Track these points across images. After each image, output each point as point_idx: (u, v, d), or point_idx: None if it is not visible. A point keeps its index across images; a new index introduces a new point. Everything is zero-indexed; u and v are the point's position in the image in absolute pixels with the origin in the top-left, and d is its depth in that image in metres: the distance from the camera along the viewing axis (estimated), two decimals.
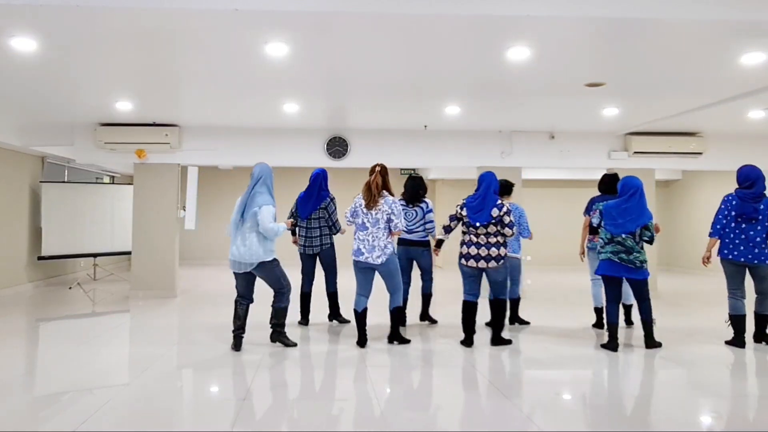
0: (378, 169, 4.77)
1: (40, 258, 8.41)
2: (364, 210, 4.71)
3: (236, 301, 4.72)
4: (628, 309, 5.76)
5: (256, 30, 4.01)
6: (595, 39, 4.19)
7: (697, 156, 8.21)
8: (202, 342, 5.03)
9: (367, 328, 4.88)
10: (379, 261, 4.67)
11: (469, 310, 4.85)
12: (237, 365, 4.28)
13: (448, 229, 4.95)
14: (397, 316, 4.91)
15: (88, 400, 3.42)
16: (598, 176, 11.19)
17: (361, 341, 4.82)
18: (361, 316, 4.83)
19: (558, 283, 9.79)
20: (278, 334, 4.81)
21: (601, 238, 4.84)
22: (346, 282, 5.90)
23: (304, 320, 5.77)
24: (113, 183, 11.17)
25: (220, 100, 6.28)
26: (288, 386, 3.85)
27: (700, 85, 5.46)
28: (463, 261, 4.78)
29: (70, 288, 8.54)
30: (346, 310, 5.81)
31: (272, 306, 4.77)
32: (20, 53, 4.47)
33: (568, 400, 3.59)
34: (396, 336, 4.91)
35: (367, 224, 4.70)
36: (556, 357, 4.63)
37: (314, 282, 5.86)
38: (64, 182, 9.14)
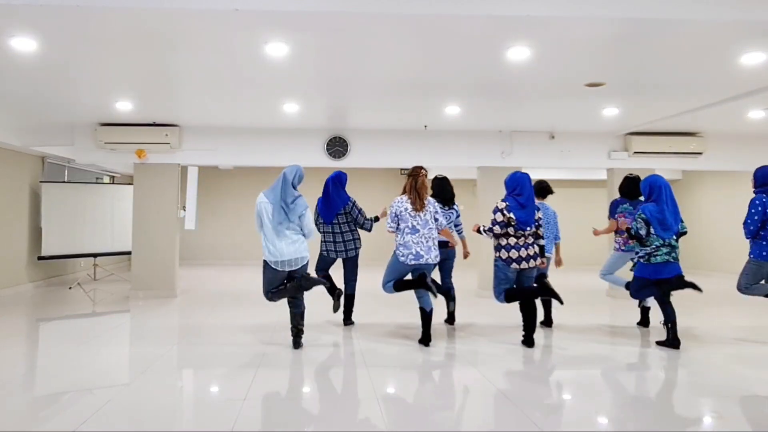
0: (424, 172, 4.83)
1: (40, 258, 8.42)
2: (412, 213, 4.72)
3: (271, 295, 4.68)
4: (646, 311, 5.81)
5: (256, 30, 4.01)
6: (595, 39, 4.19)
7: (697, 156, 8.22)
8: (202, 342, 5.03)
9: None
10: (436, 261, 4.76)
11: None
12: (237, 365, 4.28)
13: (496, 235, 4.82)
14: (431, 319, 4.90)
15: (88, 400, 3.42)
16: (599, 176, 11.24)
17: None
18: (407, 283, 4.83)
19: (558, 283, 9.78)
20: (300, 338, 4.81)
21: (654, 245, 4.82)
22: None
23: (333, 292, 5.66)
24: (113, 183, 11.17)
25: (220, 100, 6.28)
26: (289, 386, 3.84)
27: (700, 85, 5.47)
28: (515, 265, 4.73)
29: (70, 288, 8.55)
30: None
31: (297, 311, 4.73)
32: (20, 53, 4.48)
33: (571, 400, 3.59)
34: (429, 337, 4.90)
35: (418, 227, 4.71)
36: (560, 357, 4.63)
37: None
38: (64, 182, 9.14)
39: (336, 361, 4.47)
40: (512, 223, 4.71)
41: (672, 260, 4.81)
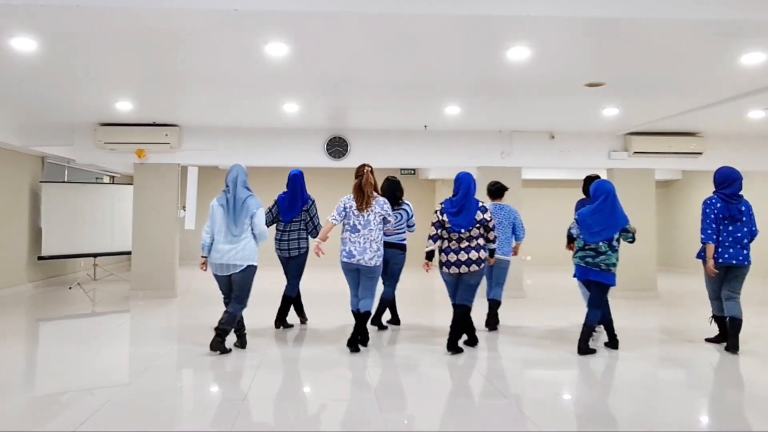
0: (368, 169, 4.69)
1: (40, 258, 8.41)
2: (356, 212, 4.62)
3: (227, 303, 4.62)
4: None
5: (256, 30, 4.01)
6: (595, 39, 4.18)
7: (697, 156, 8.22)
8: (202, 342, 5.02)
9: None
10: (372, 263, 4.58)
11: (458, 314, 4.69)
12: (237, 365, 4.28)
13: (436, 238, 4.68)
14: (366, 321, 4.71)
15: (88, 400, 3.42)
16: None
17: (364, 340, 4.77)
18: (361, 317, 4.70)
19: (557, 283, 9.77)
20: (223, 341, 4.51)
21: (578, 246, 4.78)
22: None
23: (283, 323, 5.59)
24: (113, 183, 11.17)
25: (221, 100, 6.28)
26: (287, 386, 3.85)
27: (700, 85, 5.46)
28: (445, 269, 4.63)
29: (70, 288, 8.54)
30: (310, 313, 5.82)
31: (230, 311, 4.51)
32: (20, 53, 4.47)
33: (558, 401, 3.59)
34: (359, 341, 4.70)
35: (359, 226, 4.60)
36: (544, 358, 4.63)
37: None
38: (64, 182, 9.15)
39: (336, 361, 4.47)
40: (446, 226, 4.60)
41: (585, 265, 4.65)
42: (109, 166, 10.35)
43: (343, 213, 4.64)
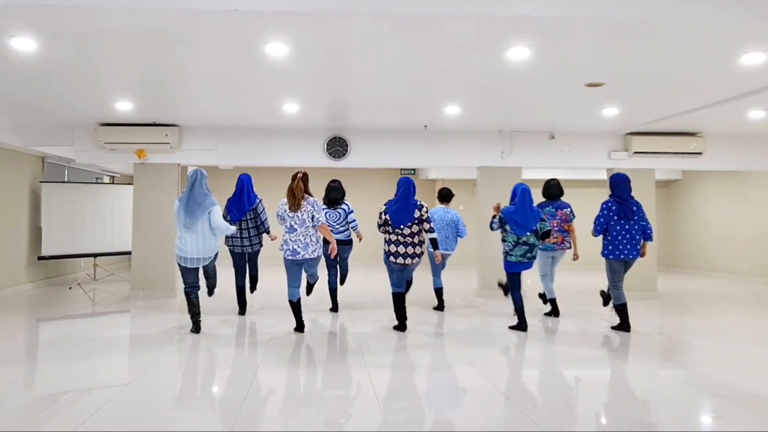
0: (300, 176, 5.20)
1: (40, 258, 8.41)
2: (290, 213, 5.13)
3: (188, 293, 5.29)
4: (553, 301, 6.38)
5: (256, 30, 4.01)
6: (595, 39, 4.19)
7: (697, 156, 8.22)
8: (201, 341, 5.03)
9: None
10: (315, 255, 5.18)
11: (400, 301, 5.43)
12: (237, 365, 4.28)
13: (384, 232, 5.36)
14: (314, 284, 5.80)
15: (88, 400, 3.42)
16: (599, 176, 11.23)
17: (300, 327, 5.35)
18: (297, 305, 5.32)
19: (559, 282, 9.75)
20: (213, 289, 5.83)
21: (509, 242, 5.47)
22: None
23: (243, 311, 6.34)
24: (113, 183, 11.17)
25: (221, 100, 6.28)
26: (288, 385, 3.84)
27: (700, 85, 5.47)
28: (392, 258, 5.29)
29: (70, 288, 8.54)
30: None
31: (211, 284, 5.73)
32: (20, 53, 4.48)
33: (571, 401, 3.60)
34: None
35: (295, 226, 5.13)
36: (559, 357, 4.64)
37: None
38: (64, 182, 9.14)
39: (333, 359, 4.47)
40: (389, 223, 5.24)
41: (526, 260, 5.43)
42: (109, 166, 10.36)
43: (282, 217, 5.21)
